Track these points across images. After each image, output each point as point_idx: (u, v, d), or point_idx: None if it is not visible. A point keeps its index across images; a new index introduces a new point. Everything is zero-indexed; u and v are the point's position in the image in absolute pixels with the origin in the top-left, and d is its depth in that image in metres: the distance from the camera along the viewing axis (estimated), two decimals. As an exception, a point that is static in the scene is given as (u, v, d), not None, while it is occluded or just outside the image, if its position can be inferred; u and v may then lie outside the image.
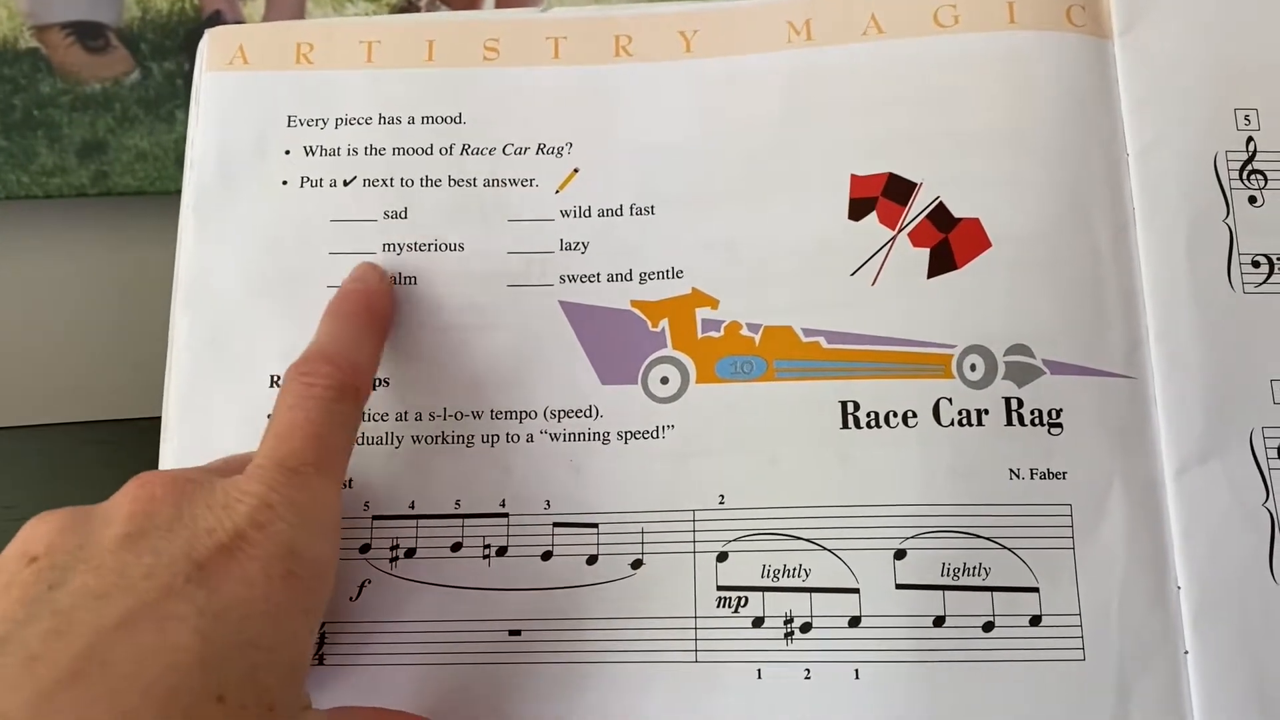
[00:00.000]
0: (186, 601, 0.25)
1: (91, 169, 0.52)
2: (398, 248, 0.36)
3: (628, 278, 0.35)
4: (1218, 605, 0.31)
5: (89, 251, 0.55)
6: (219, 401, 0.35)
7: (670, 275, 0.35)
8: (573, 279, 0.35)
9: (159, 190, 0.52)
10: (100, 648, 0.24)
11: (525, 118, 0.36)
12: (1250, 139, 0.34)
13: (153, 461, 0.35)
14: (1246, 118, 0.35)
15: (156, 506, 0.27)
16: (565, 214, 0.36)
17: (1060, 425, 0.32)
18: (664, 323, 0.34)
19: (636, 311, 0.35)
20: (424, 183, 0.36)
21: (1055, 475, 0.32)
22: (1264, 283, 0.33)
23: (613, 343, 0.34)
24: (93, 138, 0.52)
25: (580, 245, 0.35)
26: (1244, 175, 0.34)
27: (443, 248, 0.36)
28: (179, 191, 0.37)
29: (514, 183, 0.36)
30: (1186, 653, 0.31)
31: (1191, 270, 0.33)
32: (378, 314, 0.34)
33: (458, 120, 0.37)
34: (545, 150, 0.36)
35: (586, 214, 0.36)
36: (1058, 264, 0.33)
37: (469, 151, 0.36)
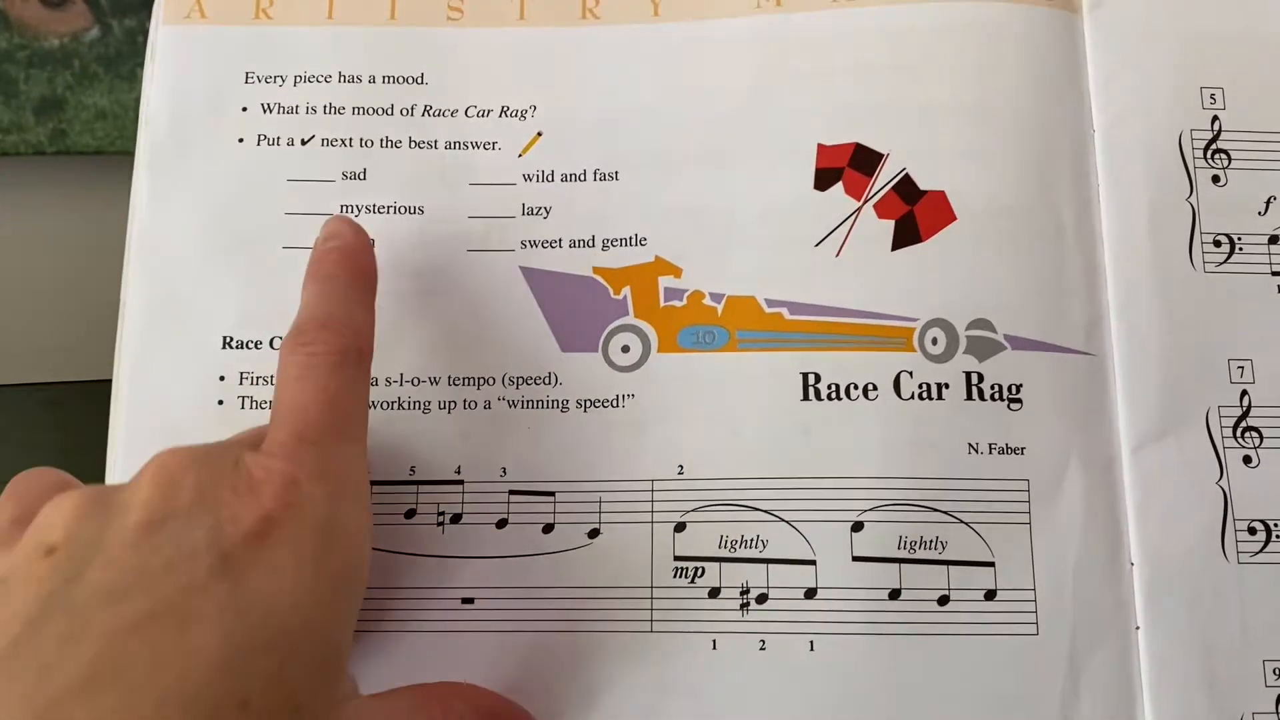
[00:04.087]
0: (209, 598, 0.23)
1: (49, 127, 0.51)
2: (356, 209, 0.35)
3: (590, 244, 0.34)
4: (1170, 582, 0.31)
5: (46, 211, 0.54)
6: (171, 364, 0.34)
7: (634, 242, 0.34)
8: (534, 244, 0.35)
9: (119, 150, 0.51)
10: (116, 652, 0.22)
11: (489, 79, 0.36)
12: (1215, 118, 0.34)
13: (102, 424, 0.34)
14: (1212, 96, 0.35)
15: (177, 490, 0.25)
16: (528, 178, 0.35)
17: (1020, 400, 0.32)
18: (626, 290, 0.34)
19: (598, 278, 0.34)
20: (384, 144, 0.36)
21: (1014, 450, 0.32)
22: (1224, 262, 0.33)
23: (574, 310, 0.34)
24: (51, 95, 0.51)
25: (543, 210, 0.35)
26: (1208, 154, 0.34)
27: (402, 210, 0.35)
28: (140, 152, 0.36)
29: (476, 145, 0.35)
30: (1138, 628, 0.31)
31: (1153, 248, 0.34)
32: (363, 269, 0.32)
33: (420, 81, 0.36)
34: (508, 113, 0.36)
35: (549, 178, 0.35)
36: (1022, 239, 0.33)
37: (430, 113, 0.36)
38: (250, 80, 0.36)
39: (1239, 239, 0.34)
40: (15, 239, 0.54)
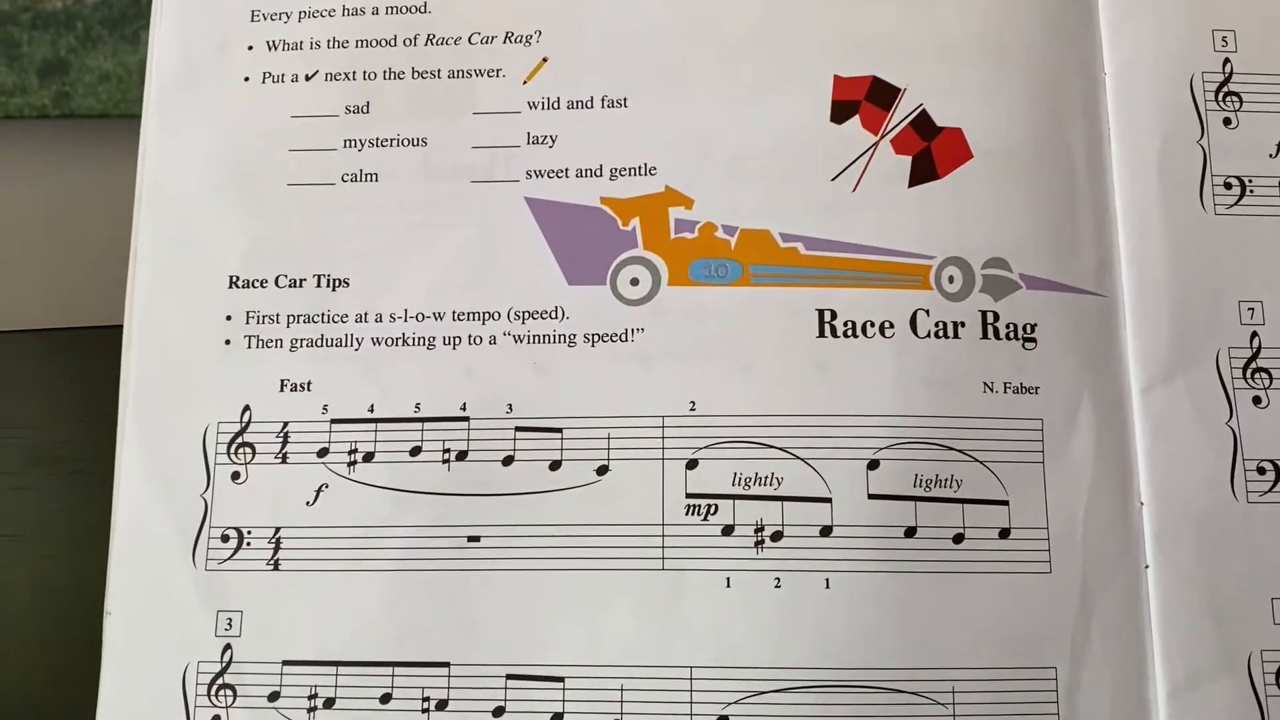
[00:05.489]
0: None
1: (53, 89, 0.51)
2: (359, 144, 0.34)
3: (598, 173, 0.33)
4: (1179, 521, 0.31)
5: (50, 174, 0.53)
6: (177, 304, 0.34)
7: (643, 172, 0.33)
8: (540, 174, 0.34)
9: (122, 113, 0.51)
10: None
11: (493, 5, 0.35)
12: (1227, 60, 0.34)
13: (114, 368, 0.33)
14: (1224, 39, 0.34)
15: None
16: (533, 105, 0.34)
17: (1034, 340, 0.32)
18: (635, 221, 0.33)
19: (606, 209, 0.33)
20: (387, 75, 0.35)
21: (1028, 390, 0.32)
22: (1235, 204, 0.33)
23: (581, 242, 0.33)
24: (54, 57, 0.50)
25: (548, 139, 0.34)
26: (1219, 97, 0.34)
27: (405, 143, 0.34)
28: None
29: (479, 73, 0.34)
30: (1147, 567, 0.31)
31: (1164, 190, 0.33)
32: None
33: (423, 9, 0.35)
34: (513, 39, 0.34)
35: (555, 105, 0.34)
36: (1035, 178, 0.33)
37: (434, 41, 0.35)
38: (256, 18, 0.35)
39: (1250, 181, 0.34)
40: (19, 202, 0.53)
